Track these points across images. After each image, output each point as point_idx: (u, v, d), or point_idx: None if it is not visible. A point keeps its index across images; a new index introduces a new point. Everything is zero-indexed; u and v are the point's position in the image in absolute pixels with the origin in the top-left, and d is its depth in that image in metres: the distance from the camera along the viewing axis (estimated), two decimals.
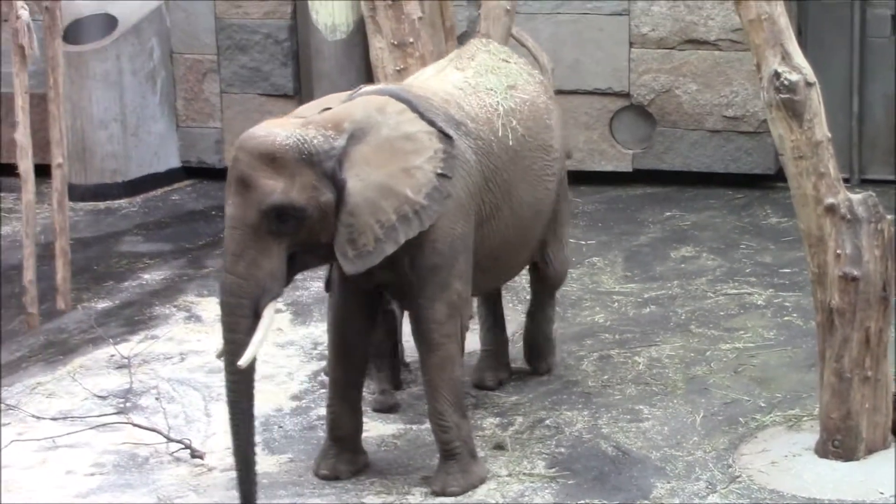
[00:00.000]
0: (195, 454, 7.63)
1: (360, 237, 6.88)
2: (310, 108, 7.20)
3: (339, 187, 6.85)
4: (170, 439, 7.74)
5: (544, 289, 8.27)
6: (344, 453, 7.42)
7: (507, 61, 7.81)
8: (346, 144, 6.87)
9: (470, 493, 7.16)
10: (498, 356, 8.32)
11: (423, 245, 7.05)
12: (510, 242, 7.59)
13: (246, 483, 6.93)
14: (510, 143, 7.44)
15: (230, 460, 7.61)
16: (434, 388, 7.21)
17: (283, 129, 6.82)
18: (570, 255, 8.44)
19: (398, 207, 6.92)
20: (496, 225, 7.43)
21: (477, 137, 7.31)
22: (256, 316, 6.80)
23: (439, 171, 7.01)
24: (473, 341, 8.49)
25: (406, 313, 7.64)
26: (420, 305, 7.15)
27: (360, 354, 7.43)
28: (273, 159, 6.74)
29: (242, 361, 6.72)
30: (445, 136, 7.07)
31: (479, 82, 7.57)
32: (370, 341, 7.53)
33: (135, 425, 7.85)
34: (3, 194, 11.49)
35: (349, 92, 7.37)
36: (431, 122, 7.07)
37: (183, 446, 7.70)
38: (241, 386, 6.86)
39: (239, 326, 6.79)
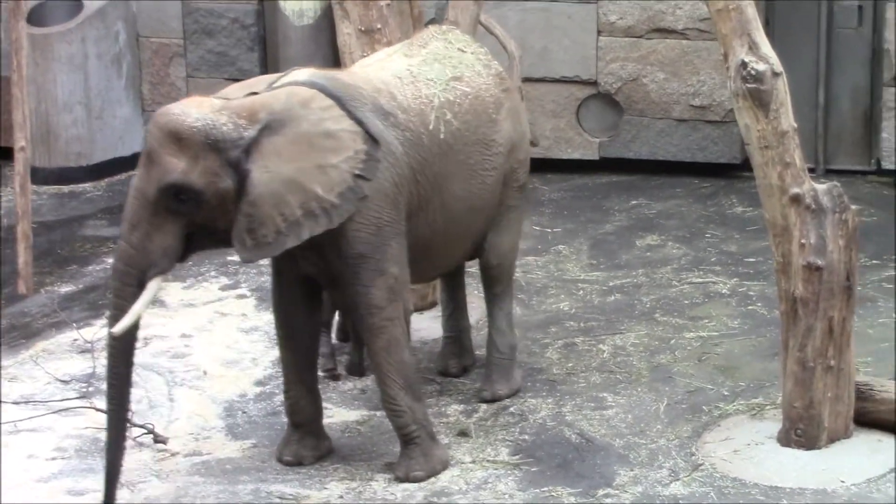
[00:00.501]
0: (158, 439, 7.63)
1: (260, 228, 6.89)
2: (237, 89, 7.18)
3: (242, 176, 6.85)
4: (133, 424, 7.73)
5: (485, 282, 8.04)
6: (306, 438, 7.44)
7: (462, 51, 7.72)
8: (256, 135, 6.87)
9: (434, 478, 7.18)
10: (461, 342, 8.31)
11: (347, 235, 7.05)
12: (441, 235, 7.51)
13: (113, 448, 6.98)
14: (441, 136, 7.36)
15: (193, 445, 7.65)
16: (383, 373, 7.21)
17: (197, 109, 6.85)
18: (513, 250, 8.04)
19: (304, 203, 6.91)
20: (425, 217, 7.37)
21: (406, 129, 7.24)
22: (142, 286, 6.89)
23: (357, 171, 6.98)
24: (437, 329, 8.53)
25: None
26: (357, 292, 7.15)
27: (306, 337, 7.43)
28: (180, 139, 6.80)
29: (116, 329, 6.84)
30: (371, 139, 7.03)
31: (421, 72, 7.49)
32: (316, 322, 7.52)
33: (97, 410, 7.83)
34: None
35: (278, 74, 7.34)
36: (360, 122, 7.04)
37: (146, 431, 7.69)
38: (118, 350, 6.96)
39: (123, 293, 6.91)
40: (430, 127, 7.33)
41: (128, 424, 7.53)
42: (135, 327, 6.94)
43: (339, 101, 7.05)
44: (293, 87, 7.06)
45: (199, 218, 6.87)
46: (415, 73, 7.46)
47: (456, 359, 8.28)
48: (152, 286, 6.90)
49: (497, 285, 7.99)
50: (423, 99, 7.38)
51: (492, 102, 7.65)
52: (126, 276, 6.90)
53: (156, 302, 9.38)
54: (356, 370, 8.29)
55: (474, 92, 7.58)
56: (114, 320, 6.90)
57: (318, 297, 7.46)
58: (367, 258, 7.08)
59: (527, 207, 8.20)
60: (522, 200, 8.02)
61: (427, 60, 7.57)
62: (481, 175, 7.58)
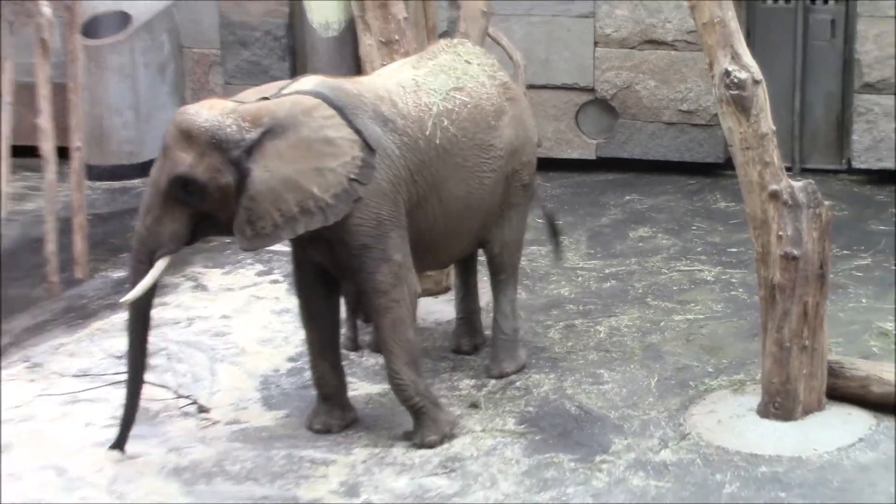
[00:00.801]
0: (202, 409, 7.68)
1: (258, 221, 6.93)
2: (251, 94, 7.22)
3: (243, 174, 6.90)
4: (179, 395, 7.79)
5: (491, 270, 8.03)
6: (334, 409, 7.49)
7: (469, 62, 7.68)
8: (258, 137, 6.90)
9: (448, 443, 7.22)
10: (472, 323, 8.33)
11: (351, 229, 7.07)
12: (442, 228, 7.48)
13: (130, 400, 7.19)
14: (437, 140, 7.32)
15: (233, 415, 7.69)
16: (388, 350, 7.24)
17: (208, 112, 6.92)
18: (516, 243, 7.98)
19: (301, 201, 6.94)
20: (424, 213, 7.36)
21: (403, 134, 7.22)
22: (152, 263, 7.01)
23: (352, 176, 7.00)
24: (450, 311, 8.57)
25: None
26: (363, 279, 7.18)
27: (326, 318, 7.46)
28: (189, 137, 6.88)
29: (124, 300, 7.05)
30: (368, 147, 7.05)
31: (425, 82, 7.46)
32: (334, 304, 7.53)
33: (148, 383, 7.88)
34: (27, 174, 11.48)
35: (288, 81, 7.38)
36: (358, 131, 7.05)
37: (191, 402, 7.74)
38: (133, 317, 7.14)
39: (137, 269, 7.08)
40: (427, 133, 7.31)
41: (173, 394, 7.63)
42: (149, 297, 7.08)
43: (341, 111, 7.06)
44: (299, 95, 7.08)
45: (203, 208, 6.96)
46: (419, 83, 7.44)
47: (467, 338, 8.31)
48: (159, 264, 7.01)
49: (501, 273, 7.99)
50: (423, 107, 7.35)
51: (492, 111, 7.60)
52: (139, 254, 7.07)
53: (198, 286, 9.46)
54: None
55: (474, 101, 7.53)
56: (128, 292, 7.06)
57: (335, 281, 7.47)
58: (370, 248, 7.11)
59: (532, 204, 8.12)
60: (526, 198, 7.96)
61: (433, 71, 7.54)
62: (479, 176, 7.54)
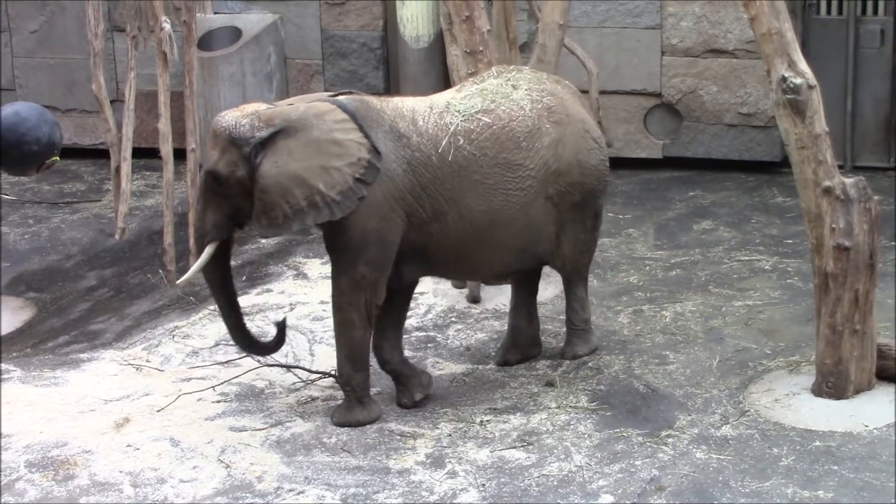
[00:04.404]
0: (331, 374, 7.64)
1: (270, 211, 7.00)
2: (298, 100, 7.24)
3: (253, 168, 6.95)
4: (313, 371, 7.81)
5: (561, 276, 7.79)
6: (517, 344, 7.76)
7: (515, 87, 7.43)
8: (268, 136, 6.94)
9: (492, 421, 7.13)
10: (514, 338, 7.88)
11: (338, 231, 7.07)
12: (470, 241, 7.28)
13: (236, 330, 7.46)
14: (450, 158, 7.16)
15: (329, 392, 7.67)
16: (337, 344, 7.29)
17: (232, 114, 7.08)
18: (577, 254, 7.60)
19: (309, 196, 6.95)
20: (444, 226, 7.21)
21: (416, 150, 7.12)
22: (203, 248, 7.17)
23: (357, 176, 6.97)
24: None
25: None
26: (333, 276, 7.20)
27: (393, 302, 7.41)
28: (216, 135, 7.04)
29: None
30: (374, 150, 7.00)
31: (457, 104, 7.31)
32: (401, 292, 7.43)
33: (256, 361, 7.88)
34: (148, 173, 11.56)
35: (328, 93, 7.37)
36: (367, 136, 7.01)
37: (326, 376, 7.72)
38: (212, 287, 7.37)
39: (196, 252, 7.29)
40: (440, 150, 7.16)
41: (310, 372, 7.75)
42: (220, 270, 7.25)
43: (353, 117, 7.03)
44: (316, 101, 7.12)
45: (232, 199, 7.06)
46: (450, 104, 7.31)
47: (516, 350, 7.88)
48: (207, 250, 7.16)
49: (568, 279, 7.75)
50: (442, 126, 7.21)
51: (524, 132, 7.30)
52: (196, 241, 7.33)
53: (300, 275, 9.47)
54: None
55: (503, 123, 7.28)
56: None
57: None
58: (345, 253, 7.09)
59: (594, 222, 7.66)
60: (583, 215, 7.55)
61: (470, 95, 7.38)
62: (503, 194, 7.27)
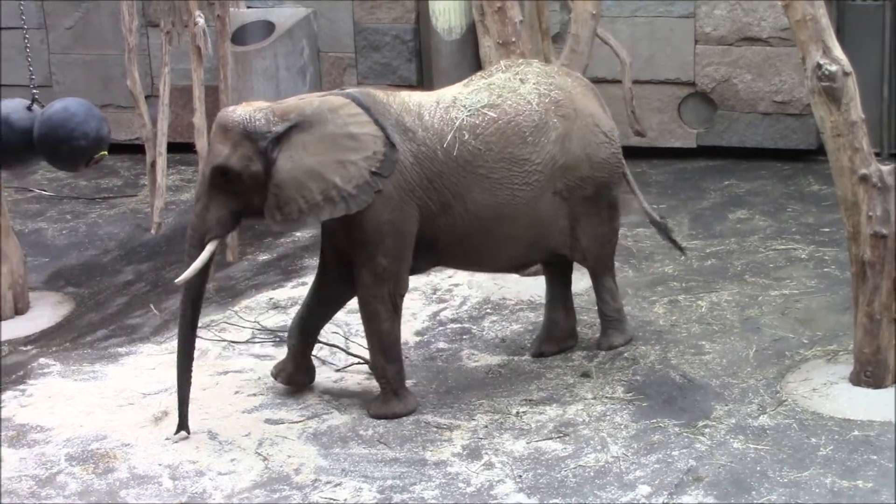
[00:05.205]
0: (365, 360, 7.64)
1: (285, 206, 6.94)
2: (314, 97, 7.18)
3: (269, 163, 6.90)
4: (350, 353, 7.85)
5: (588, 270, 7.73)
6: (288, 364, 7.53)
7: (523, 82, 7.39)
8: (283, 130, 6.90)
9: (501, 414, 7.16)
10: (550, 330, 7.85)
11: (354, 224, 7.04)
12: (474, 235, 7.26)
13: (182, 378, 7.14)
14: (455, 152, 7.13)
15: (365, 384, 7.67)
16: (367, 336, 7.28)
17: (243, 108, 6.99)
18: (595, 246, 7.56)
19: (325, 190, 6.91)
20: (451, 219, 7.20)
21: (422, 144, 7.10)
22: (202, 247, 7.00)
23: (374, 169, 6.95)
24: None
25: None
26: (355, 270, 7.18)
27: (329, 298, 7.45)
28: (226, 130, 6.94)
29: (178, 280, 7.04)
30: (389, 143, 6.97)
31: (463, 98, 7.28)
32: (345, 288, 7.42)
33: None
34: (183, 168, 11.59)
35: (337, 90, 7.30)
36: (382, 129, 6.99)
37: (360, 361, 7.75)
38: (186, 296, 7.13)
39: (191, 252, 7.07)
40: (445, 144, 7.14)
41: (347, 356, 7.73)
42: (202, 278, 7.09)
43: (368, 111, 7.02)
44: (330, 95, 7.08)
45: (241, 195, 6.98)
46: (456, 99, 7.28)
47: (551, 342, 7.84)
48: (209, 248, 7.04)
49: (592, 271, 7.71)
50: (448, 120, 7.18)
51: (530, 126, 7.27)
52: (192, 239, 7.09)
53: None
54: None
55: (508, 117, 7.25)
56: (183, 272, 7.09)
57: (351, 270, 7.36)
58: (363, 245, 7.07)
59: (610, 213, 7.59)
60: (598, 208, 7.50)
61: (477, 90, 7.35)
62: (509, 188, 7.25)
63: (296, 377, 7.53)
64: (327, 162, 6.93)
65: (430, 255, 7.31)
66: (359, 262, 7.13)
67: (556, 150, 7.34)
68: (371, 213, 7.02)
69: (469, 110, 7.24)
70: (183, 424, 7.14)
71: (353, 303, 8.73)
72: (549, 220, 7.42)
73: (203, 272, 7.08)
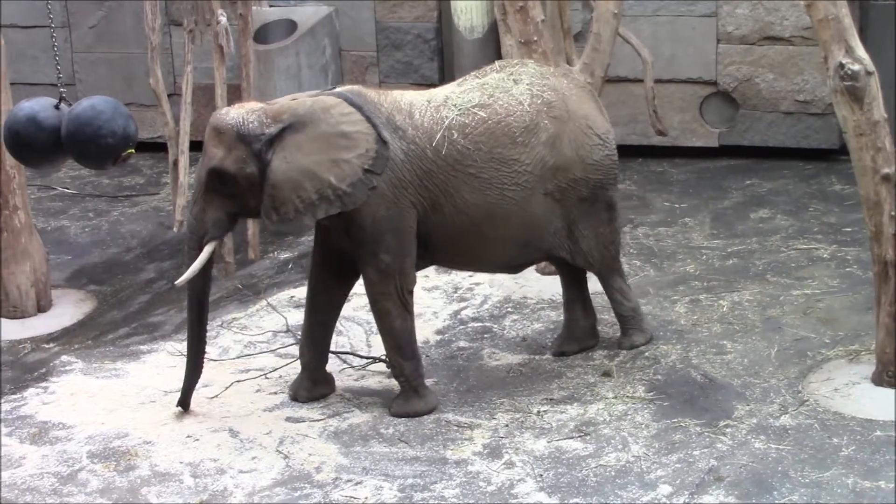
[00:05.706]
0: (383, 360, 7.64)
1: (281, 207, 6.96)
2: (304, 96, 7.18)
3: (264, 164, 6.92)
4: (365, 357, 7.84)
5: (595, 274, 7.68)
6: (304, 381, 7.47)
7: (517, 82, 7.36)
8: (277, 132, 6.92)
9: (516, 413, 7.15)
10: (571, 330, 7.84)
11: (352, 223, 7.05)
12: (465, 234, 7.25)
13: (192, 373, 7.32)
14: (444, 151, 7.12)
15: (386, 382, 7.67)
16: (381, 335, 7.29)
17: (236, 111, 7.01)
18: (594, 248, 7.52)
19: (319, 189, 6.93)
20: (442, 217, 7.19)
21: (412, 142, 7.09)
22: (201, 249, 7.05)
23: (367, 167, 6.96)
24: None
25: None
26: (360, 269, 7.20)
27: (330, 300, 7.44)
28: (220, 133, 6.97)
29: (178, 282, 7.11)
30: (382, 140, 6.98)
31: (454, 98, 7.26)
32: (343, 289, 7.45)
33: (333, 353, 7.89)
34: None
35: (326, 89, 7.31)
36: (374, 126, 7.00)
37: (378, 360, 7.75)
38: (190, 294, 7.20)
39: (189, 254, 7.13)
40: (434, 143, 7.13)
41: (362, 358, 7.73)
42: (205, 278, 7.16)
43: (360, 109, 7.03)
44: (321, 95, 7.09)
45: (236, 196, 7.01)
46: (448, 99, 7.27)
47: (572, 341, 7.83)
48: (207, 249, 7.08)
49: (600, 273, 7.66)
50: (438, 120, 7.17)
51: (521, 127, 7.23)
52: (190, 241, 7.16)
53: None
54: None
55: (499, 118, 7.23)
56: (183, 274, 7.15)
57: (349, 268, 7.34)
58: (363, 243, 7.08)
59: (609, 214, 7.54)
60: (596, 209, 7.47)
61: (469, 89, 7.33)
62: (498, 188, 7.21)
63: (316, 391, 7.51)
64: (321, 161, 6.95)
65: (423, 253, 7.31)
66: (363, 262, 7.14)
67: (547, 152, 7.31)
68: (367, 210, 7.03)
69: (459, 110, 7.23)
70: (184, 403, 7.36)
71: (359, 301, 8.74)
72: (541, 220, 7.40)
73: (204, 272, 7.13)
